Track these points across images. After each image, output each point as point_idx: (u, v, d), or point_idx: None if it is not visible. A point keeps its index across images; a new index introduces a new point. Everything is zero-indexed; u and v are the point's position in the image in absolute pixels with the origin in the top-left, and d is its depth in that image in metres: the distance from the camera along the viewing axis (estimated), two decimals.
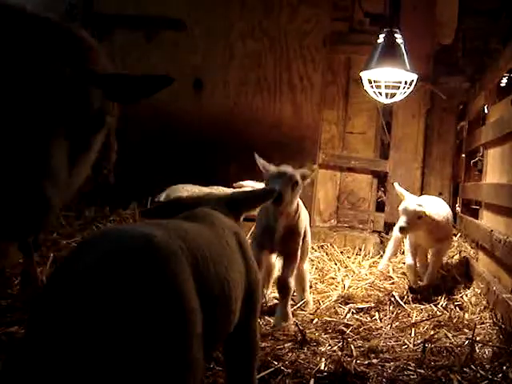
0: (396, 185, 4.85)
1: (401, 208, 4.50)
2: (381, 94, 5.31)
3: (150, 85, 2.28)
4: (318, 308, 4.06)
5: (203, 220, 2.09)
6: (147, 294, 1.44)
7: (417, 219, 4.38)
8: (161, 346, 1.44)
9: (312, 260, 5.45)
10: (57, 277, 1.53)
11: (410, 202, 4.48)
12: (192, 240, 1.77)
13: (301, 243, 3.87)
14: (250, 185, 5.18)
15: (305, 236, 3.98)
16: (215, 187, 4.93)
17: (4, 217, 1.83)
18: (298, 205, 3.80)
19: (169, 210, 2.30)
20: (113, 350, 1.39)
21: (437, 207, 4.72)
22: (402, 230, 4.41)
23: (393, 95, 5.32)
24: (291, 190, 3.56)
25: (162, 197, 4.24)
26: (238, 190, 3.39)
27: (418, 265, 4.87)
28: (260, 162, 3.73)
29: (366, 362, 3.03)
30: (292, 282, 3.73)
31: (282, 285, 3.69)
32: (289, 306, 3.68)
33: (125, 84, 2.26)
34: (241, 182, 5.14)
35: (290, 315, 3.67)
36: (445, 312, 4.02)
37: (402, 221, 4.42)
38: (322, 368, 2.91)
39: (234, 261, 2.03)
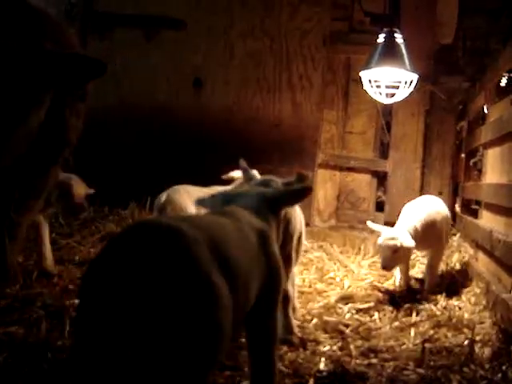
0: (369, 223, 4.78)
1: (377, 244, 4.47)
2: (381, 93, 5.32)
3: (85, 66, 2.22)
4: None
5: (229, 216, 2.29)
6: (178, 276, 1.69)
7: (393, 253, 4.26)
8: (200, 317, 1.70)
9: (311, 260, 5.46)
10: (107, 266, 1.72)
11: (383, 237, 4.36)
12: (213, 231, 1.99)
13: (294, 245, 3.58)
14: (239, 175, 5.11)
15: (300, 237, 3.72)
16: (214, 187, 4.94)
17: None
18: None
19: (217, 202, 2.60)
20: (169, 317, 1.65)
21: (426, 212, 4.67)
22: (384, 268, 4.35)
23: (392, 95, 5.32)
24: None
25: (163, 197, 4.24)
26: (275, 188, 3.24)
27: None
28: (243, 166, 3.52)
29: (366, 362, 3.03)
30: (291, 289, 3.52)
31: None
32: (291, 315, 3.50)
33: (67, 63, 2.20)
34: (231, 174, 5.10)
35: (294, 324, 3.48)
36: (444, 312, 4.01)
37: (381, 259, 4.38)
38: (322, 368, 2.90)
39: (254, 254, 2.21)
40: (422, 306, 4.16)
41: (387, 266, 4.32)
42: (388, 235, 4.33)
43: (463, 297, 4.41)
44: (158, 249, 1.72)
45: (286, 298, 3.46)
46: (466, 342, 3.30)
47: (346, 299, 4.25)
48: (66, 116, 2.53)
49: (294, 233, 3.56)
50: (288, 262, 3.52)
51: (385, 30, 5.19)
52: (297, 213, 3.68)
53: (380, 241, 4.35)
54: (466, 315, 3.93)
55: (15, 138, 2.19)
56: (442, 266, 5.19)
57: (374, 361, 3.07)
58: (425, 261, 5.45)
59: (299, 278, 4.65)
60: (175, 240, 1.77)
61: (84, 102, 2.68)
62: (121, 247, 1.75)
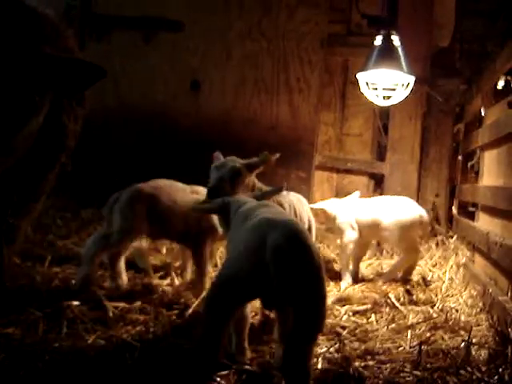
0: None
1: None
2: (378, 96, 5.33)
3: (84, 71, 2.21)
4: None
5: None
6: (302, 247, 2.45)
7: None
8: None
9: None
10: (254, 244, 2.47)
11: None
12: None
13: None
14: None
15: None
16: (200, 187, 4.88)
17: None
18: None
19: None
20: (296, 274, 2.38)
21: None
22: None
23: (390, 97, 5.33)
24: (231, 181, 3.36)
25: None
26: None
27: None
28: (215, 155, 3.60)
29: (363, 364, 3.02)
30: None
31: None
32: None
33: (66, 68, 2.19)
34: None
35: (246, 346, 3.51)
36: (441, 314, 4.01)
37: None
38: (319, 369, 2.91)
39: None
40: (418, 308, 4.16)
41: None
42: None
43: (460, 299, 4.41)
44: (288, 235, 2.45)
45: None
46: (462, 345, 3.30)
47: (343, 301, 4.25)
48: (64, 121, 2.54)
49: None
50: None
51: (382, 32, 5.21)
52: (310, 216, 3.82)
53: None
54: (463, 317, 3.94)
55: (15, 142, 2.19)
56: (439, 268, 5.23)
57: (371, 363, 3.06)
58: (422, 263, 5.48)
59: None
60: (296, 228, 2.54)
61: (83, 107, 2.68)
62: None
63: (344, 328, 3.63)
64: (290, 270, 2.36)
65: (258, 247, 2.41)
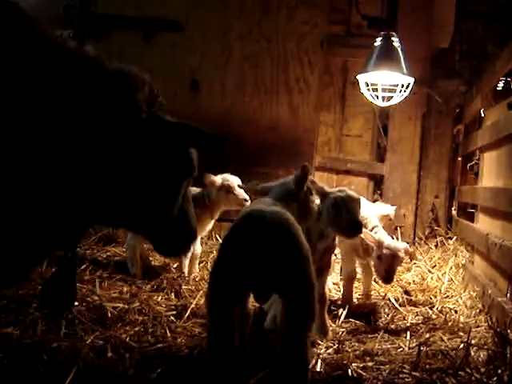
0: None
1: None
2: (377, 97, 5.33)
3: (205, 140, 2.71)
4: None
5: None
6: (290, 237, 2.53)
7: None
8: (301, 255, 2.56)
9: None
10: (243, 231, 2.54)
11: None
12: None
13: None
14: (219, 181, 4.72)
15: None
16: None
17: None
18: None
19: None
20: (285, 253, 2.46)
21: None
22: None
23: (389, 98, 5.33)
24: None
25: None
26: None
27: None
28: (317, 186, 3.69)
29: (361, 365, 3.02)
30: (327, 292, 3.62)
31: (319, 297, 3.51)
32: (326, 316, 3.53)
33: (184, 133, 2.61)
34: (213, 178, 4.66)
35: (328, 325, 3.52)
36: (440, 315, 4.01)
37: None
38: (318, 370, 2.90)
39: None
40: (417, 310, 4.16)
41: None
42: None
43: (459, 300, 4.41)
44: (276, 222, 2.52)
45: (322, 301, 3.45)
46: (461, 346, 3.29)
47: (343, 302, 4.25)
48: None
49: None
50: (327, 270, 3.76)
51: (382, 33, 5.21)
52: None
53: None
54: (462, 319, 3.93)
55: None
56: (438, 269, 5.23)
57: (370, 364, 3.06)
58: (421, 264, 5.48)
59: None
60: (285, 219, 2.58)
61: None
62: (248, 225, 2.54)
63: (343, 329, 3.63)
64: (279, 257, 2.41)
65: (247, 238, 2.46)
